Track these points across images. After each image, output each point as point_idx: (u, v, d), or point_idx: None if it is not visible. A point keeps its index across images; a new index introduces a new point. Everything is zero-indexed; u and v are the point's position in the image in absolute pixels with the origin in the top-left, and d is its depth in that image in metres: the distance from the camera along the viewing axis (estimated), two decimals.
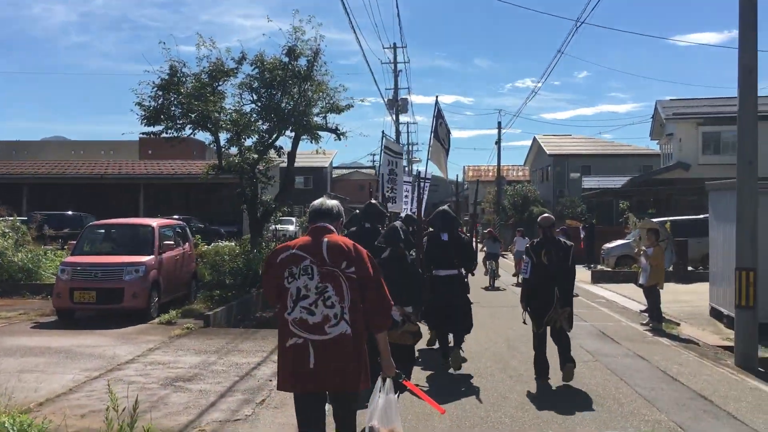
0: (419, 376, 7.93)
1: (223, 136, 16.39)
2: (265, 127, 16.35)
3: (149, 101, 15.37)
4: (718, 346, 10.11)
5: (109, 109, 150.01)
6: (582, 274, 19.17)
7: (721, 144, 32.17)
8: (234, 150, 16.87)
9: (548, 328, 7.78)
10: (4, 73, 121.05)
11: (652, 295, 11.89)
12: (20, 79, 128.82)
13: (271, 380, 7.46)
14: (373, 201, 9.33)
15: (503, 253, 27.66)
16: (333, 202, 4.34)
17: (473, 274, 9.21)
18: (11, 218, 17.43)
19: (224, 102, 15.99)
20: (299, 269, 3.98)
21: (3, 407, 5.71)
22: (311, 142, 16.84)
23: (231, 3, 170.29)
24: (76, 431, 5.71)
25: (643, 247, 12.35)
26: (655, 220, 17.48)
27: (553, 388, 7.47)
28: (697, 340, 10.60)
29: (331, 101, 16.32)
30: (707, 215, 14.92)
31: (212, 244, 19.41)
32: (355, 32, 19.72)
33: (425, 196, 12.61)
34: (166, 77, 15.33)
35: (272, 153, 16.98)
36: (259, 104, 16.13)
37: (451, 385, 7.51)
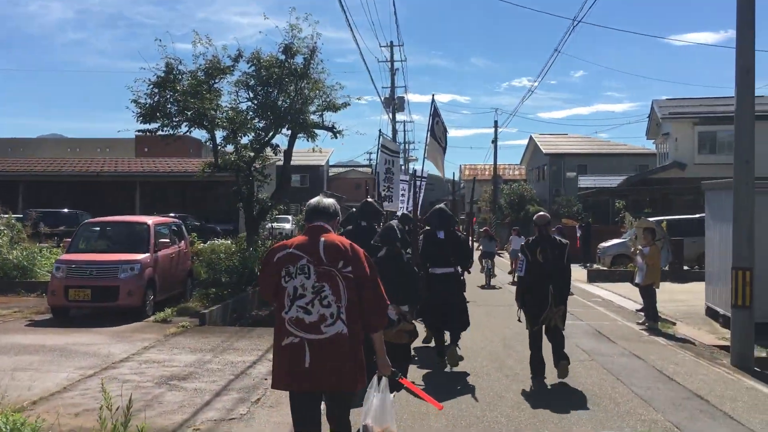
0: (415, 374, 7.90)
1: (219, 134, 16.35)
2: (261, 125, 16.30)
3: (145, 99, 15.31)
4: (714, 346, 10.10)
5: (105, 107, 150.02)
6: (578, 273, 19.17)
7: (717, 144, 32.22)
8: (230, 148, 16.82)
9: (543, 327, 7.79)
10: (1, 71, 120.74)
11: (648, 295, 11.89)
12: (17, 76, 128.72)
13: (266, 379, 7.43)
14: (370, 199, 9.32)
15: (499, 251, 27.65)
16: (329, 201, 4.33)
17: (469, 272, 9.21)
18: (6, 216, 17.35)
19: (220, 100, 15.94)
20: (296, 268, 3.98)
21: None
22: (308, 141, 16.82)
23: (227, 0, 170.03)
24: (69, 430, 5.67)
25: (640, 247, 12.35)
26: (651, 219, 17.47)
27: (549, 387, 7.46)
28: (693, 339, 10.59)
29: (328, 99, 16.29)
30: (703, 215, 14.92)
31: (208, 242, 19.38)
32: (351, 30, 19.78)
33: (421, 195, 12.58)
34: (162, 74, 15.26)
35: (268, 151, 16.92)
36: (256, 102, 16.08)
37: (447, 384, 7.49)
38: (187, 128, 16.13)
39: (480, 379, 7.74)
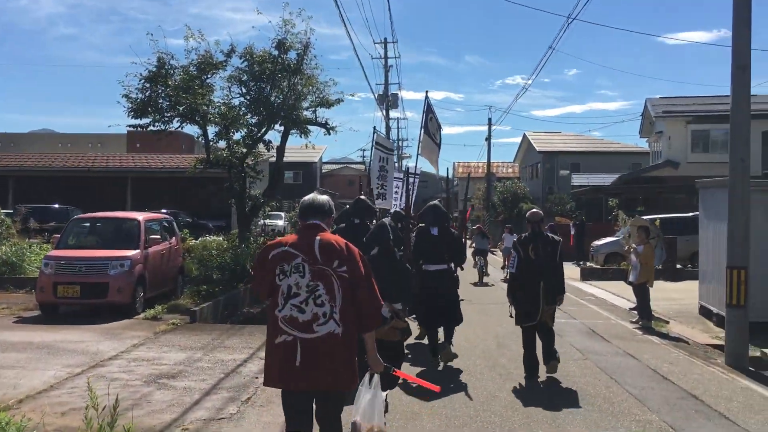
0: (408, 371, 7.79)
1: (211, 130, 16.24)
2: (254, 120, 16.19)
3: (136, 93, 15.16)
4: (707, 345, 10.06)
5: (97, 102, 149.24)
6: (571, 271, 19.14)
7: (710, 142, 32.28)
8: (222, 144, 16.71)
9: (537, 325, 7.76)
10: None
11: (642, 293, 11.84)
12: (8, 71, 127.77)
13: (257, 377, 7.34)
14: (362, 197, 9.26)
15: (492, 249, 27.62)
16: (324, 198, 4.29)
17: (462, 269, 9.16)
18: None
19: (213, 95, 15.82)
20: (291, 267, 3.96)
21: None
22: (301, 137, 16.70)
23: None
24: (55, 429, 5.57)
25: (633, 245, 12.30)
26: (644, 217, 17.43)
27: (543, 386, 7.39)
28: (686, 338, 10.55)
29: (321, 95, 16.18)
30: (696, 213, 14.89)
31: (200, 239, 19.27)
32: (345, 26, 19.67)
33: (414, 192, 12.50)
34: (154, 69, 15.12)
35: (261, 147, 16.80)
36: (248, 98, 15.96)
37: (440, 382, 7.33)
38: (178, 124, 16.00)
39: (473, 378, 7.66)
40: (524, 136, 51.94)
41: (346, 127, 61.60)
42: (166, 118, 15.51)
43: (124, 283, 11.28)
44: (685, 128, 32.38)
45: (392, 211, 11.65)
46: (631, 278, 12.35)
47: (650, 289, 11.90)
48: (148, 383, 7.10)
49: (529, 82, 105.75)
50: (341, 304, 3.94)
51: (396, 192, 14.56)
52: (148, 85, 15.14)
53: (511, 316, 8.02)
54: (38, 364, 7.92)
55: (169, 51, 15.64)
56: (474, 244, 20.25)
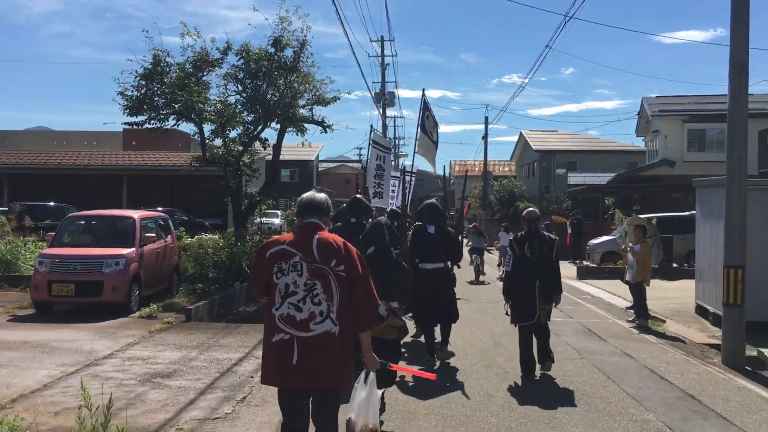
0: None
1: (207, 128, 16.17)
2: (250, 118, 16.15)
3: (132, 91, 15.10)
4: (704, 344, 10.04)
5: (93, 100, 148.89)
6: (568, 269, 19.14)
7: (706, 141, 32.33)
8: (218, 142, 16.65)
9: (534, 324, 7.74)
10: None
11: (639, 292, 11.82)
12: (2, 67, 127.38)
13: (252, 377, 7.30)
14: (358, 195, 9.23)
15: (488, 248, 27.60)
16: (322, 196, 4.28)
17: (459, 267, 9.13)
18: None
19: (209, 93, 15.77)
20: (288, 265, 3.96)
21: None
22: (297, 135, 16.66)
23: None
24: (48, 429, 5.53)
25: (630, 244, 12.27)
26: (641, 216, 17.42)
27: (540, 386, 7.36)
28: (683, 337, 10.53)
29: (318, 93, 16.15)
30: (692, 212, 14.88)
31: (196, 237, 19.20)
32: (342, 24, 19.59)
33: (411, 191, 12.44)
34: (149, 66, 15.05)
35: (257, 145, 16.76)
36: (244, 95, 15.92)
37: (436, 382, 7.35)
38: (174, 121, 15.96)
39: (470, 377, 7.63)
40: (521, 134, 51.92)
41: (343, 126, 61.85)
42: (162, 116, 15.45)
43: (119, 281, 11.22)
44: (682, 127, 32.42)
45: (388, 209, 11.61)
46: (627, 277, 12.33)
47: (646, 288, 11.88)
48: (142, 382, 7.05)
49: (526, 80, 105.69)
50: (338, 303, 3.94)
51: (393, 191, 14.51)
52: (143, 82, 15.07)
53: (507, 313, 8.02)
54: (32, 363, 7.86)
55: (164, 48, 15.66)
56: (470, 243, 20.22)
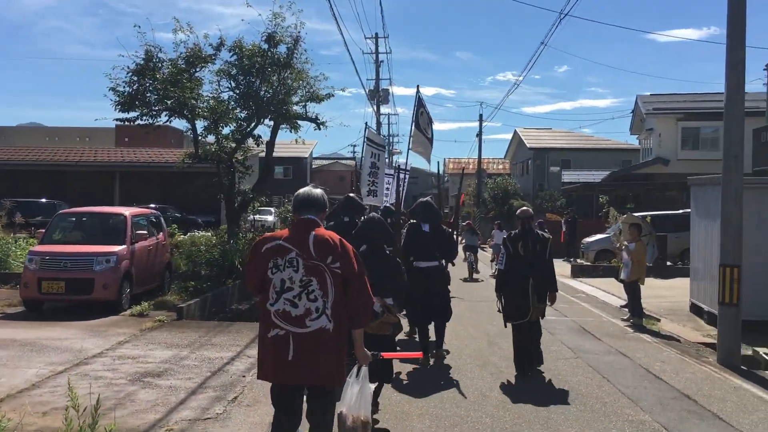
0: (398, 368, 7.69)
1: (200, 124, 16.07)
2: (243, 115, 16.05)
3: (124, 87, 14.97)
4: (699, 343, 10.01)
5: (85, 96, 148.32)
6: (562, 267, 19.09)
7: (700, 140, 32.35)
8: (211, 138, 16.53)
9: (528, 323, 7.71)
10: None
11: (633, 291, 11.77)
12: None
13: (244, 376, 7.22)
14: (352, 194, 9.18)
15: (482, 245, 27.60)
16: (319, 192, 4.28)
17: (453, 264, 9.08)
18: None
19: (201, 89, 15.65)
20: (284, 261, 3.97)
21: None
22: (290, 132, 16.57)
23: None
24: (35, 430, 5.43)
25: (625, 242, 12.22)
26: (636, 214, 17.39)
27: (534, 385, 7.28)
28: (678, 336, 10.49)
29: (311, 90, 16.05)
30: (687, 210, 14.85)
31: (188, 234, 19.09)
32: (336, 20, 19.50)
33: (405, 188, 12.38)
34: (142, 62, 14.93)
35: (250, 142, 16.67)
36: (238, 92, 15.81)
37: (430, 382, 7.30)
38: (167, 118, 15.83)
39: (464, 376, 7.56)
40: (515, 132, 51.93)
41: (337, 123, 61.41)
42: (154, 112, 15.33)
43: (110, 279, 11.10)
44: (676, 125, 32.43)
45: (382, 207, 11.54)
46: (622, 276, 12.28)
47: (641, 286, 11.84)
48: (132, 382, 6.95)
49: (521, 78, 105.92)
50: (333, 299, 3.95)
51: (387, 188, 14.44)
52: (135, 78, 14.95)
53: (499, 311, 7.98)
54: (20, 361, 7.75)
55: (157, 44, 15.48)
56: (464, 241, 20.17)
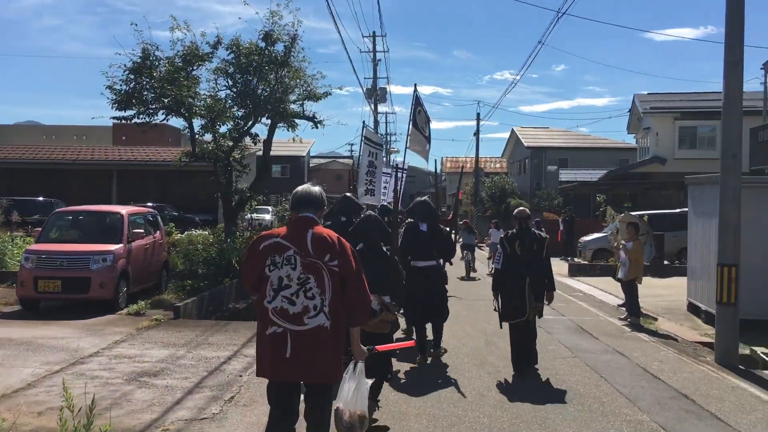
0: (397, 368, 7.67)
1: (197, 123, 16.04)
2: (240, 113, 16.01)
3: (120, 85, 14.93)
4: (696, 342, 10.00)
5: (83, 94, 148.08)
6: (559, 266, 19.06)
7: (697, 139, 32.34)
8: (208, 137, 16.50)
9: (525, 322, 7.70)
10: None
11: (631, 290, 11.76)
12: None
13: (240, 376, 7.20)
14: (348, 194, 9.16)
15: (479, 244, 27.59)
16: (317, 190, 4.28)
17: (452, 263, 9.07)
18: None
19: (198, 87, 15.64)
20: (282, 259, 3.98)
21: None
22: (288, 130, 16.56)
23: None
24: (30, 430, 5.40)
25: (623, 241, 12.21)
26: (633, 213, 17.38)
27: (532, 385, 7.26)
28: (675, 335, 10.48)
29: (309, 88, 16.04)
30: (684, 209, 14.82)
31: (186, 233, 19.05)
32: (334, 19, 19.52)
33: (402, 187, 12.34)
34: (138, 60, 14.89)
35: (248, 140, 16.63)
36: (235, 90, 15.78)
37: (428, 381, 7.29)
38: (164, 116, 15.80)
39: (461, 376, 7.54)
40: (512, 131, 51.88)
41: (334, 121, 61.46)
42: (151, 110, 15.29)
43: (107, 277, 11.07)
44: (673, 124, 32.41)
45: (379, 206, 11.51)
46: (620, 275, 12.27)
47: (638, 285, 11.83)
48: (128, 381, 6.93)
49: (518, 77, 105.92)
50: (331, 297, 3.96)
51: (384, 187, 14.41)
52: (132, 76, 14.92)
53: (495, 310, 7.98)
54: (16, 361, 7.72)
55: (154, 42, 15.47)
56: (461, 239, 20.15)
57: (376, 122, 38.97)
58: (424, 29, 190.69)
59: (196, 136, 16.31)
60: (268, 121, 16.25)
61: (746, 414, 6.30)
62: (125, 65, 14.84)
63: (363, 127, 12.07)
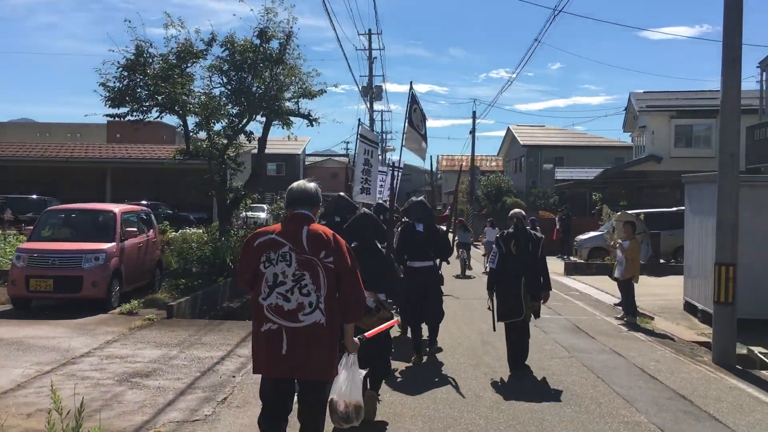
0: (394, 367, 7.58)
1: (191, 120, 15.92)
2: (235, 111, 15.91)
3: (114, 82, 14.81)
4: (693, 342, 9.95)
5: (77, 92, 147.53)
6: (555, 265, 19.03)
7: (693, 137, 32.33)
8: (203, 134, 16.39)
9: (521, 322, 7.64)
10: None
11: (627, 289, 11.70)
12: None
13: (234, 376, 7.11)
14: (342, 194, 9.09)
15: (474, 242, 27.55)
16: (312, 186, 4.25)
17: (449, 263, 9.00)
18: None
19: (193, 84, 15.52)
20: (277, 255, 3.96)
21: None
22: (283, 128, 16.46)
23: None
24: None
25: (619, 240, 12.15)
26: (629, 212, 17.33)
27: (529, 386, 7.19)
28: (672, 335, 10.43)
29: (304, 86, 15.95)
30: (680, 208, 14.78)
31: (180, 231, 18.95)
32: (329, 16, 19.44)
33: (398, 185, 12.27)
34: (132, 57, 14.77)
35: (242, 138, 16.52)
36: (229, 87, 15.68)
37: (423, 381, 7.21)
38: (157, 114, 15.67)
39: (457, 376, 7.46)
40: (508, 129, 51.82)
41: (330, 119, 61.49)
42: (145, 108, 15.18)
43: (99, 276, 10.96)
44: (669, 123, 32.40)
45: (375, 204, 11.43)
46: (616, 274, 12.22)
47: (635, 284, 11.77)
48: (120, 382, 6.83)
49: (514, 75, 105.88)
50: (326, 294, 3.95)
51: (380, 185, 14.33)
52: (125, 73, 14.80)
53: (489, 308, 7.93)
54: (6, 361, 7.62)
55: (147, 39, 15.34)
56: (457, 238, 20.09)
57: (372, 120, 38.87)
58: (421, 27, 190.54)
59: (191, 133, 16.21)
60: (263, 119, 16.16)
61: (745, 415, 6.24)
62: (119, 62, 14.74)
63: (359, 124, 11.98)
